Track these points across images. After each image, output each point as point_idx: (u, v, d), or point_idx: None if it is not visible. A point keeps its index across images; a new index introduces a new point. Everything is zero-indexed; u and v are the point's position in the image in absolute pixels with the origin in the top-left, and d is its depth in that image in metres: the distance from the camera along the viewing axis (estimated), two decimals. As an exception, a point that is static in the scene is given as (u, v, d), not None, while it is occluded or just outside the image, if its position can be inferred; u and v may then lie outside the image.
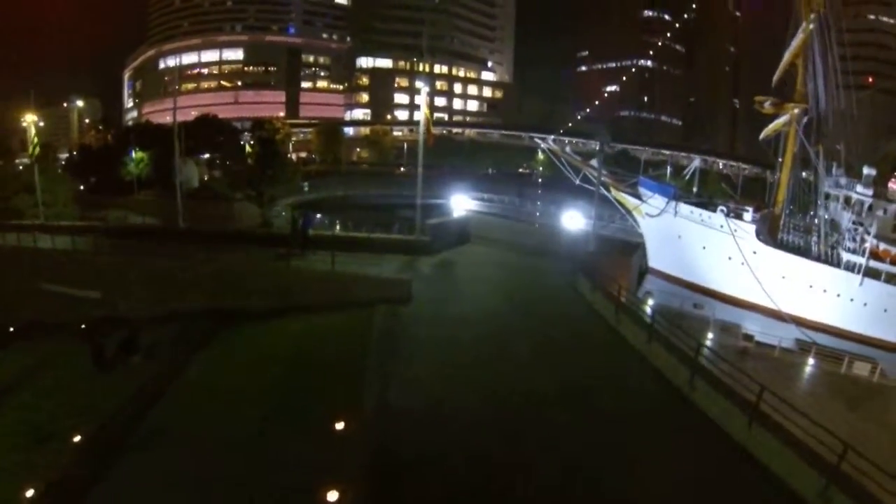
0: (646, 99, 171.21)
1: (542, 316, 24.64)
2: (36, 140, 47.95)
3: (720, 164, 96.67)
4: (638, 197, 44.66)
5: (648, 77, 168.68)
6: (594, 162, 50.86)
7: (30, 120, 48.99)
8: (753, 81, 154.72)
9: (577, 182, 48.76)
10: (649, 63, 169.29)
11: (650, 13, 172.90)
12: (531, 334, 22.68)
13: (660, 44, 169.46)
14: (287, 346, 22.98)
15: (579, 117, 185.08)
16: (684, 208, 40.60)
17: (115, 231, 41.96)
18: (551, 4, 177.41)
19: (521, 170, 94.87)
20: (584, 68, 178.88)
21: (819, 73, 35.97)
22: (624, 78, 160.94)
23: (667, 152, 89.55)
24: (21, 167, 64.09)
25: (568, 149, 51.63)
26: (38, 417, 18.68)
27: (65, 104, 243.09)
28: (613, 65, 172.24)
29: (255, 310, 26.25)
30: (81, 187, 78.34)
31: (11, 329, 33.51)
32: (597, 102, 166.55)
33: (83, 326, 28.92)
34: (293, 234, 32.98)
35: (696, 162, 44.36)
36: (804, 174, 39.98)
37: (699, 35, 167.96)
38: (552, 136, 53.91)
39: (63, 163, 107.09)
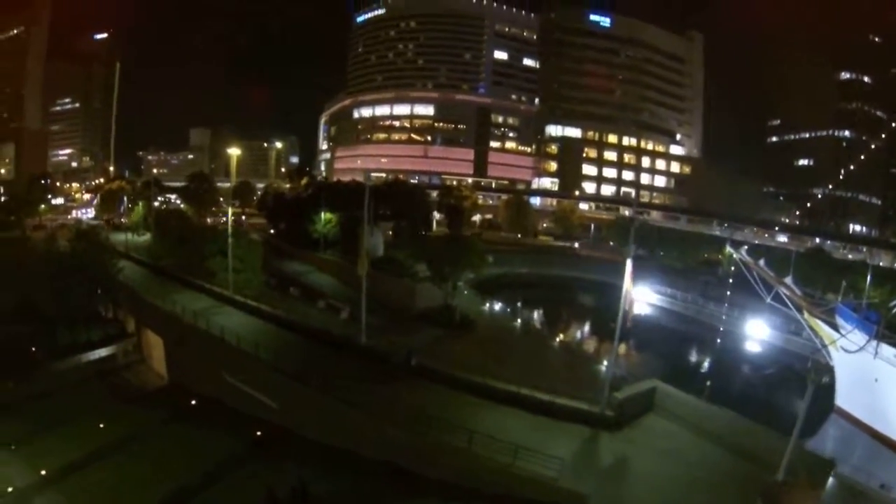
0: (842, 172, 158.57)
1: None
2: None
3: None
4: (834, 327, 42.24)
5: (845, 148, 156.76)
6: (788, 280, 51.03)
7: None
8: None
9: (768, 300, 48.66)
10: (846, 133, 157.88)
11: (847, 75, 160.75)
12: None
13: (858, 109, 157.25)
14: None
15: (766, 192, 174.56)
16: (887, 350, 37.59)
17: (298, 327, 44.59)
18: (741, 71, 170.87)
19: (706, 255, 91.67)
20: (774, 139, 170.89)
21: None
22: (818, 150, 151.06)
23: (864, 250, 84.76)
24: (219, 225, 69.66)
25: (762, 262, 51.93)
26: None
27: (265, 144, 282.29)
28: (806, 135, 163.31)
29: (429, 477, 27.60)
30: (272, 231, 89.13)
31: (193, 402, 38.87)
32: (788, 179, 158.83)
33: (258, 435, 33.27)
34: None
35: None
36: None
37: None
38: (745, 247, 54.56)
39: (258, 194, 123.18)
